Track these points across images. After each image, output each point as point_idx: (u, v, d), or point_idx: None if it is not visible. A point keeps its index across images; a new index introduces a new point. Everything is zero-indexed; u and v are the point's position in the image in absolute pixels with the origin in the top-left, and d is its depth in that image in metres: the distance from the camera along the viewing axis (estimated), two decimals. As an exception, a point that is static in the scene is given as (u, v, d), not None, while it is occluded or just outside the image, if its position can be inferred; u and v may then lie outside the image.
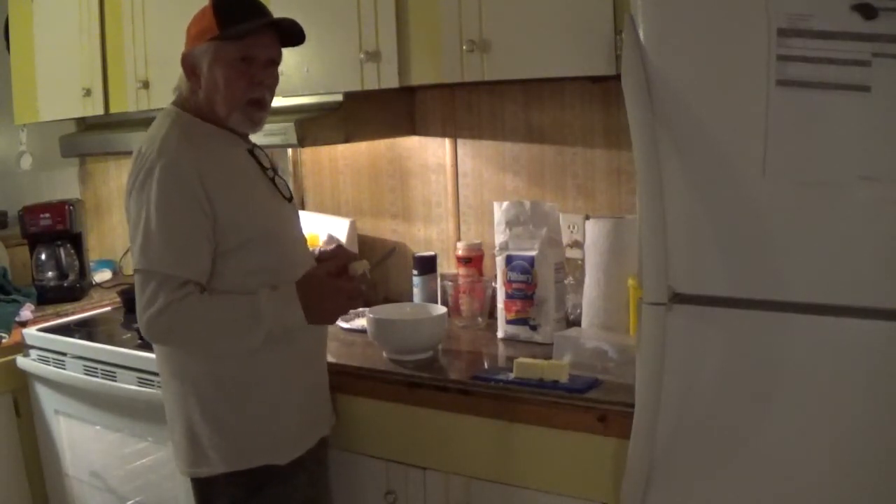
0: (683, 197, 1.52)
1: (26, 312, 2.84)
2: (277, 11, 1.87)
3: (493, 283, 2.40)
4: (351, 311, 1.86)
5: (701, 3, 1.50)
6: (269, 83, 1.84)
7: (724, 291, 1.52)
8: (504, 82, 2.30)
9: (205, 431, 1.79)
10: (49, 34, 2.96)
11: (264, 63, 1.81)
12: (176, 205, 1.69)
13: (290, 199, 1.93)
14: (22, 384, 2.69)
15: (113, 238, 3.51)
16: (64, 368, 2.55)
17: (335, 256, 2.01)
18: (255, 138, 1.94)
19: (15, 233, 3.21)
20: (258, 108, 1.83)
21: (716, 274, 1.52)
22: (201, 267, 1.72)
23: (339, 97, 2.35)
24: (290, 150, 2.90)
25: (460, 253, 2.52)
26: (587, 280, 2.16)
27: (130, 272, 3.41)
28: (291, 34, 1.85)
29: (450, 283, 2.49)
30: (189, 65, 1.80)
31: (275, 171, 1.93)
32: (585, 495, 1.78)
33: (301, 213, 2.15)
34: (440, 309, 2.24)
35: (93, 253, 3.38)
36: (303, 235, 2.00)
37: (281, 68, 1.89)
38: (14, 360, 2.66)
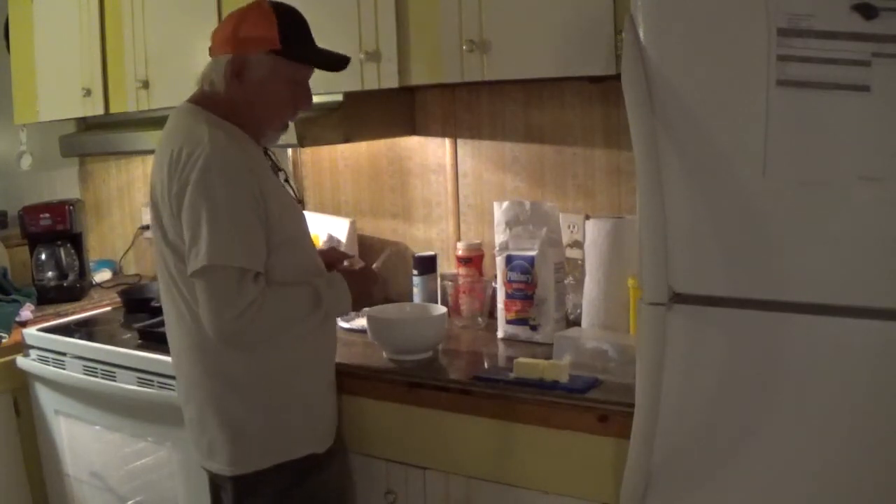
0: (683, 197, 1.52)
1: (26, 312, 2.84)
2: (277, 11, 1.87)
3: (493, 283, 2.40)
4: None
5: (701, 4, 1.50)
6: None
7: (724, 291, 1.52)
8: (504, 82, 2.30)
9: (249, 426, 1.78)
10: (49, 34, 2.96)
11: (307, 87, 1.85)
12: (241, 200, 1.68)
13: (300, 202, 1.95)
14: (22, 384, 2.69)
15: (113, 238, 3.52)
16: (64, 368, 2.55)
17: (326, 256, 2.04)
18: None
19: (15, 233, 3.21)
20: (286, 128, 1.89)
21: (716, 274, 1.52)
22: (264, 260, 1.72)
23: (339, 97, 2.35)
24: (290, 150, 2.90)
25: (460, 253, 2.52)
26: (587, 280, 2.16)
27: (130, 272, 3.43)
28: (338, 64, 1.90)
29: (450, 283, 2.49)
30: (238, 68, 1.77)
31: (286, 173, 1.96)
32: (585, 495, 1.78)
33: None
34: (440, 309, 2.24)
35: (93, 253, 3.38)
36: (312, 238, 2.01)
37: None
38: (14, 360, 2.66)
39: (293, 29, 1.78)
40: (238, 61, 1.77)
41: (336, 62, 1.88)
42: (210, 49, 1.84)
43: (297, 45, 1.78)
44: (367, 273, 2.01)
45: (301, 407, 1.83)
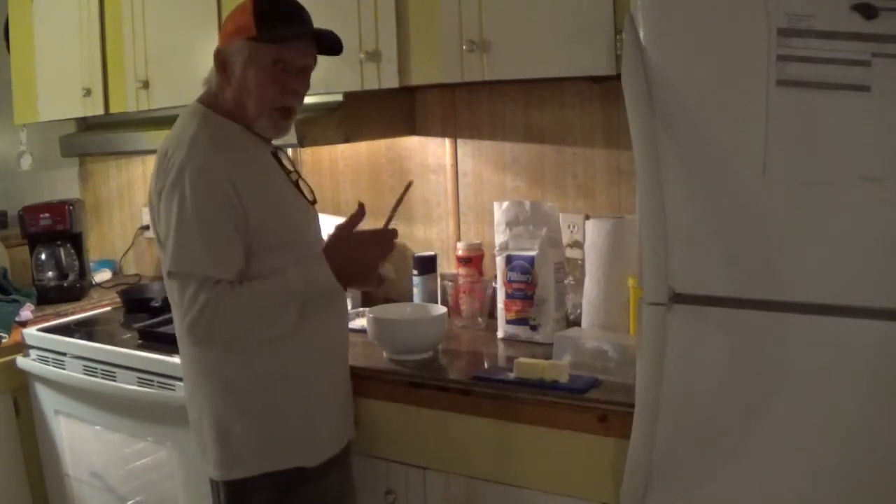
0: (683, 197, 1.52)
1: (26, 312, 2.84)
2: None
3: (493, 283, 2.40)
4: (378, 270, 1.82)
5: (701, 3, 1.50)
6: (301, 91, 1.82)
7: (724, 291, 1.52)
8: (504, 82, 2.30)
9: (238, 431, 1.76)
10: (49, 34, 2.96)
11: (298, 70, 1.79)
12: (210, 206, 1.66)
13: (313, 203, 1.92)
14: (22, 384, 2.69)
15: (113, 238, 3.52)
16: (64, 368, 2.55)
17: None
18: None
19: (15, 233, 3.21)
20: (285, 116, 1.81)
21: (716, 274, 1.52)
22: (237, 266, 1.69)
23: (339, 97, 2.35)
24: (290, 150, 2.90)
25: (460, 253, 2.52)
26: (587, 280, 2.16)
27: (130, 272, 3.43)
28: (330, 44, 1.84)
29: (450, 283, 2.49)
30: (221, 61, 1.76)
31: (298, 173, 1.93)
32: (585, 495, 1.78)
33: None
34: (440, 309, 2.24)
35: (93, 253, 3.38)
36: (322, 239, 1.96)
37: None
38: (14, 360, 2.66)
39: (268, 11, 1.75)
40: (221, 55, 1.76)
41: (324, 38, 1.82)
42: None
43: (272, 27, 1.74)
44: (362, 235, 1.79)
45: (295, 416, 1.79)
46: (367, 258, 1.77)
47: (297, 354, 1.78)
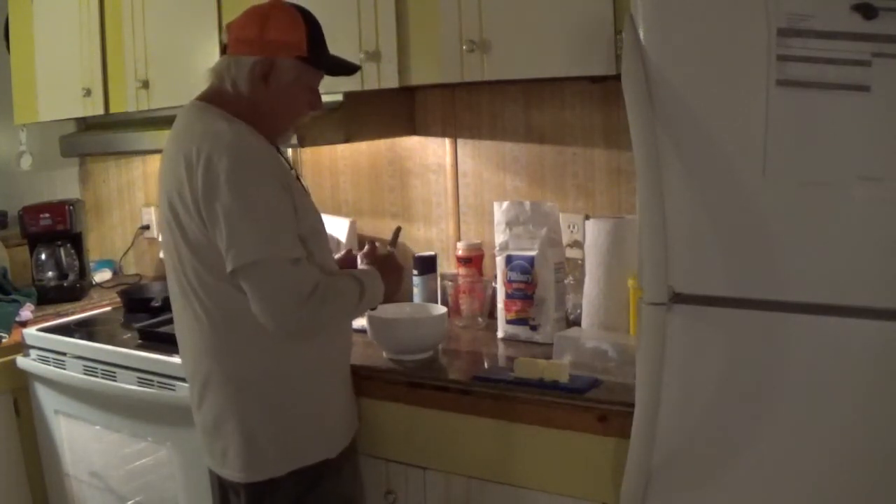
0: (683, 197, 1.52)
1: (26, 312, 2.84)
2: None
3: (493, 283, 2.40)
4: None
5: (701, 3, 1.50)
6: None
7: (724, 291, 1.52)
8: (504, 82, 2.30)
9: (264, 433, 1.76)
10: (49, 34, 2.96)
11: (318, 91, 1.87)
12: (276, 192, 1.68)
13: None
14: (22, 384, 2.69)
15: (113, 238, 3.51)
16: (64, 368, 2.55)
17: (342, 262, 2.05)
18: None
19: (15, 233, 3.21)
20: (297, 127, 1.96)
21: (716, 274, 1.52)
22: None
23: (339, 97, 2.35)
24: (290, 150, 2.90)
25: (460, 253, 2.52)
26: (587, 280, 2.16)
27: (130, 272, 3.42)
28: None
29: (450, 283, 2.49)
30: (264, 71, 1.74)
31: (296, 171, 1.95)
32: (585, 495, 1.78)
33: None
34: (440, 309, 2.24)
35: (93, 253, 3.38)
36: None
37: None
38: (14, 360, 2.66)
39: (317, 35, 1.79)
40: (266, 64, 1.74)
41: (349, 71, 1.90)
42: (228, 45, 1.78)
43: (320, 53, 1.80)
44: (392, 260, 2.00)
45: (317, 411, 1.81)
46: (398, 279, 1.98)
47: (311, 351, 1.79)
